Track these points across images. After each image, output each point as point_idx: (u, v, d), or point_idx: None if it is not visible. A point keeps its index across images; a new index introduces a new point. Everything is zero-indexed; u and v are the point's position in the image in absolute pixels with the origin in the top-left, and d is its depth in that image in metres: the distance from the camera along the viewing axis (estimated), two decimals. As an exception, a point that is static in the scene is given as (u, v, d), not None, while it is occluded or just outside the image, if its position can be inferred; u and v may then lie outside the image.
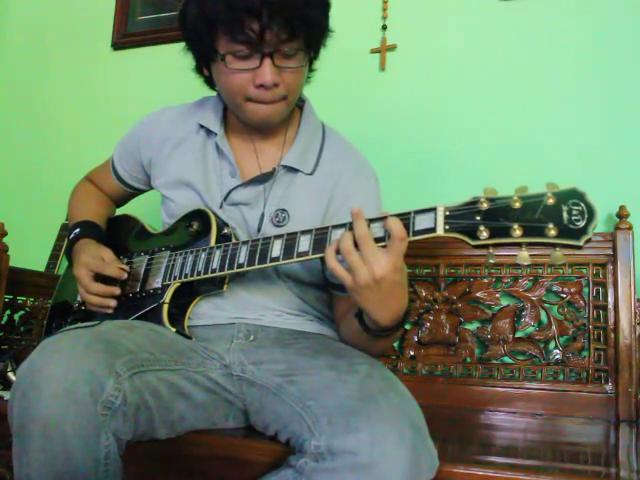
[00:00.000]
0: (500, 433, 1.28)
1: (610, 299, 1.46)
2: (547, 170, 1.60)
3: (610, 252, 1.46)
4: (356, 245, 0.85)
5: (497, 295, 1.56)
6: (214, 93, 1.23)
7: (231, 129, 1.21)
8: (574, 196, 0.73)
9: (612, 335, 1.44)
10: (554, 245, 0.73)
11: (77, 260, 1.18)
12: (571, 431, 1.31)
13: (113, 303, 1.15)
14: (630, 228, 1.45)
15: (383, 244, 0.84)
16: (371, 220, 0.86)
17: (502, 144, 1.68)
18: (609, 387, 1.42)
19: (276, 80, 1.03)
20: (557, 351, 1.49)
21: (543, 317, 1.53)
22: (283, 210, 1.14)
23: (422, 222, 0.82)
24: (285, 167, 1.15)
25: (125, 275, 1.18)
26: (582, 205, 0.72)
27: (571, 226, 0.72)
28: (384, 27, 1.83)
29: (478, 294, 1.57)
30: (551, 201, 0.73)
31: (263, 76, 1.02)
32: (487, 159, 1.68)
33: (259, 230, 1.13)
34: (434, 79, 1.78)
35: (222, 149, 1.17)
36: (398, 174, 1.73)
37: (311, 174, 1.16)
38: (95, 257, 1.17)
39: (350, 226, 0.89)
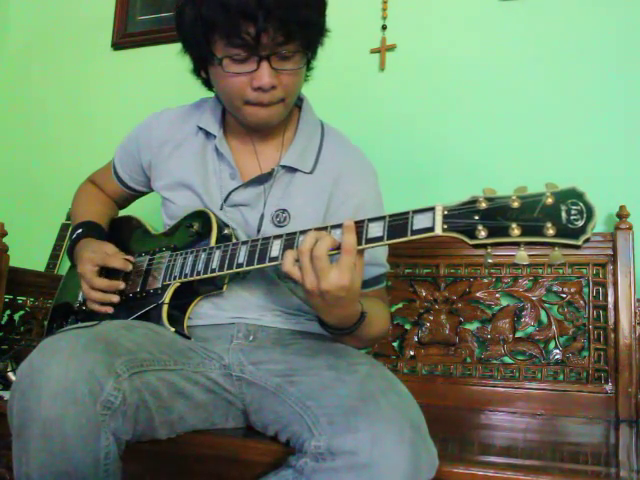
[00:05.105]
0: (500, 433, 1.29)
1: (610, 299, 1.46)
2: (547, 170, 1.60)
3: (610, 252, 1.46)
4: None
5: (497, 295, 1.56)
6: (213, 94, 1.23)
7: (230, 131, 1.21)
8: (573, 196, 0.72)
9: (612, 335, 1.44)
10: (552, 244, 0.73)
11: (80, 258, 1.19)
12: (571, 431, 1.32)
13: (116, 299, 1.15)
14: (630, 228, 1.45)
15: (381, 243, 0.84)
16: (370, 220, 0.86)
17: (502, 144, 1.68)
18: (609, 387, 1.42)
19: (274, 82, 1.03)
20: (557, 351, 1.49)
21: (543, 317, 1.53)
22: (284, 210, 1.14)
23: (420, 222, 0.82)
24: (284, 167, 1.15)
25: (130, 266, 1.18)
26: (581, 205, 0.72)
27: (570, 225, 0.72)
28: (384, 27, 1.83)
29: (478, 294, 1.57)
30: (550, 201, 0.73)
31: (260, 79, 1.02)
32: (487, 159, 1.68)
33: (259, 231, 1.13)
34: (434, 79, 1.78)
35: (221, 151, 1.17)
36: (397, 174, 1.72)
37: (310, 173, 1.16)
38: (98, 251, 1.17)
39: None
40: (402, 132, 1.78)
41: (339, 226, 0.88)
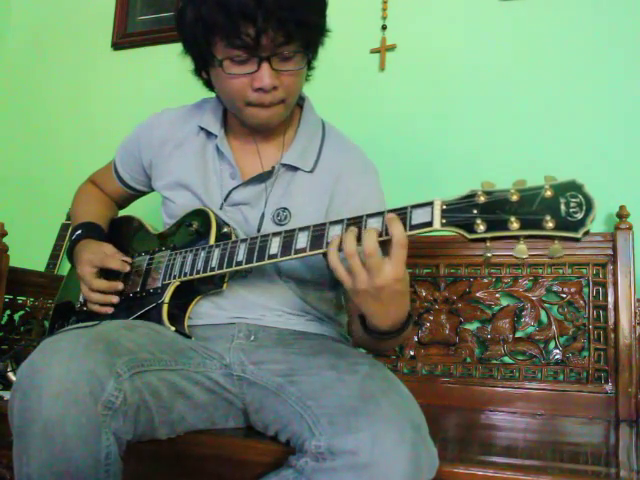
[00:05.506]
0: (500, 433, 1.28)
1: (610, 299, 1.46)
2: (547, 170, 1.57)
3: (610, 252, 1.46)
4: (359, 240, 0.84)
5: (497, 295, 1.56)
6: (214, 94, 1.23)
7: (231, 131, 1.21)
8: (572, 188, 0.72)
9: (612, 335, 1.44)
10: (552, 238, 0.72)
11: (79, 259, 1.19)
12: (571, 431, 1.31)
13: (115, 300, 1.15)
14: (630, 228, 1.45)
15: (381, 239, 0.84)
16: (369, 215, 0.86)
17: (502, 145, 1.68)
18: (609, 387, 1.42)
19: (275, 83, 1.03)
20: (557, 351, 1.49)
21: (543, 317, 1.53)
22: (284, 209, 1.13)
23: (419, 217, 0.81)
24: (285, 166, 1.15)
25: (128, 267, 1.18)
26: (580, 197, 0.71)
27: (569, 218, 0.71)
28: (384, 27, 1.83)
29: (478, 294, 1.57)
30: (549, 193, 0.72)
31: (261, 80, 1.02)
32: (487, 159, 1.68)
33: (259, 230, 1.13)
34: (434, 79, 1.78)
35: (222, 151, 1.17)
36: (397, 174, 1.72)
37: (311, 172, 1.16)
38: (97, 252, 1.18)
39: (348, 222, 0.88)
40: (402, 132, 1.78)
41: (339, 222, 0.89)
